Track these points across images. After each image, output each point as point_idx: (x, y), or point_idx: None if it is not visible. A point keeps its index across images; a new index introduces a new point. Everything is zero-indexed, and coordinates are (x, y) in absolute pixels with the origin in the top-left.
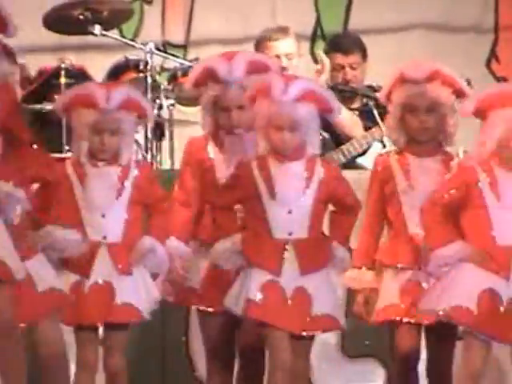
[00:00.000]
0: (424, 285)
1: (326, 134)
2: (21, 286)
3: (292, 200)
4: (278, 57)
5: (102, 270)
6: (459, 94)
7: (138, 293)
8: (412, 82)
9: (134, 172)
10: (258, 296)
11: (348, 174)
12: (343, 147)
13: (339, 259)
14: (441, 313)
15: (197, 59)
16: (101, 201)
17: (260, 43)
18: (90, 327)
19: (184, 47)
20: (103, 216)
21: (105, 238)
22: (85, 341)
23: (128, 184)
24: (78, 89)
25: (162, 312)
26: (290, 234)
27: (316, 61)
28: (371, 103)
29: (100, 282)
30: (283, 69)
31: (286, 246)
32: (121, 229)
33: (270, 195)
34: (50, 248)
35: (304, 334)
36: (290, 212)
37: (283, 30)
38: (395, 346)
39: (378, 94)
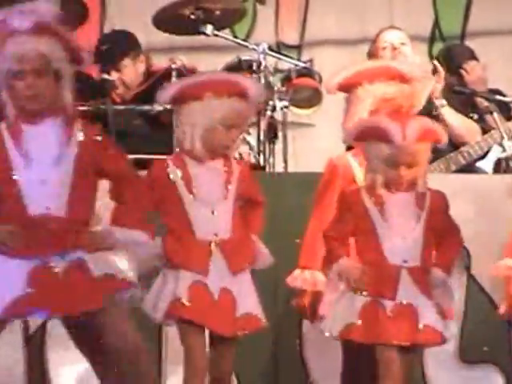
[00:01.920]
0: None
1: None
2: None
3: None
4: (388, 43)
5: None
6: None
7: (255, 297)
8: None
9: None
10: None
11: (467, 178)
12: (463, 149)
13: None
14: None
15: (311, 60)
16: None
17: (373, 42)
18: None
19: (298, 48)
20: None
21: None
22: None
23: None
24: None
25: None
26: None
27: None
28: (491, 105)
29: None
30: (394, 49)
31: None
32: None
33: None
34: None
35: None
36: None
37: (395, 27)
38: None
39: (498, 97)
